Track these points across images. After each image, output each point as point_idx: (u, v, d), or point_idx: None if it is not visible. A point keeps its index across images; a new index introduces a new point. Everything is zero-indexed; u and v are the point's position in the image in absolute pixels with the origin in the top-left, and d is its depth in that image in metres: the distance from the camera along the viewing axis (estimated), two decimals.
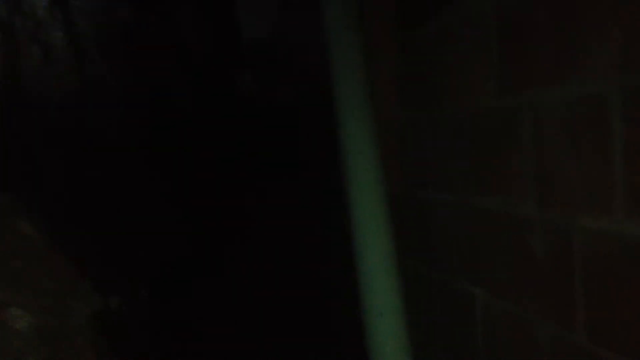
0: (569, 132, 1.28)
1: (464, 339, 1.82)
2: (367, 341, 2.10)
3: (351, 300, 2.08)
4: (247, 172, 2.27)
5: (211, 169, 2.22)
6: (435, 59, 1.86)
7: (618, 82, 1.13)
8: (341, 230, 2.12)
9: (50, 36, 2.07)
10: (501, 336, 1.62)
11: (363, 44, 2.04)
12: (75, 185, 2.06)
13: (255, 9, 2.23)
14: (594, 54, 1.18)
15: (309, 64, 2.21)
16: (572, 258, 1.30)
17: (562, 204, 1.32)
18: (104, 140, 2.11)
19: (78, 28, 2.09)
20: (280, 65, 2.25)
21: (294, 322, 2.29)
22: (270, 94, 2.21)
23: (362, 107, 2.01)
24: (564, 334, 1.34)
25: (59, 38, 2.08)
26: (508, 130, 1.50)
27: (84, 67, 2.14)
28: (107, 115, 2.11)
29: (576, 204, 1.27)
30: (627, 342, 1.16)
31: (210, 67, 2.18)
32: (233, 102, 2.20)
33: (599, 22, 1.16)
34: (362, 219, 2.09)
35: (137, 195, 2.12)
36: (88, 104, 2.10)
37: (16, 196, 1.94)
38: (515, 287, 1.53)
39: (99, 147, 2.09)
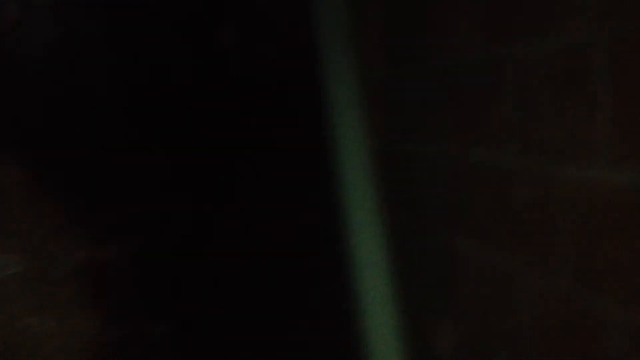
0: (553, 82, 1.30)
1: (449, 291, 1.85)
2: (355, 293, 2.14)
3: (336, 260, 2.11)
4: (231, 129, 2.27)
5: (194, 126, 2.22)
6: (421, 12, 1.88)
7: (601, 32, 1.15)
8: (329, 187, 2.14)
9: None
10: (486, 287, 1.65)
11: None
12: (66, 139, 2.04)
13: None
14: (577, 4, 1.20)
15: (292, 16, 2.21)
16: (554, 207, 1.32)
17: (545, 153, 1.35)
18: (90, 95, 2.09)
19: None
20: (262, 18, 2.24)
21: (281, 284, 2.32)
22: (252, 48, 2.21)
23: (347, 60, 2.03)
24: (547, 282, 1.37)
25: None
26: (492, 81, 1.52)
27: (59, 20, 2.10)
28: (84, 70, 2.09)
29: (559, 153, 1.30)
30: (610, 287, 1.19)
31: (189, 21, 2.17)
32: (213, 58, 2.19)
33: None
34: (349, 171, 2.11)
35: (121, 151, 2.11)
36: (67, 59, 2.07)
37: (1, 141, 1.92)
38: (500, 237, 1.55)
39: (84, 102, 2.07)
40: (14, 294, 1.76)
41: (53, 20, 2.01)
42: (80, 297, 1.91)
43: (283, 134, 2.23)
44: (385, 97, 2.17)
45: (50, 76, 2.05)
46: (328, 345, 2.31)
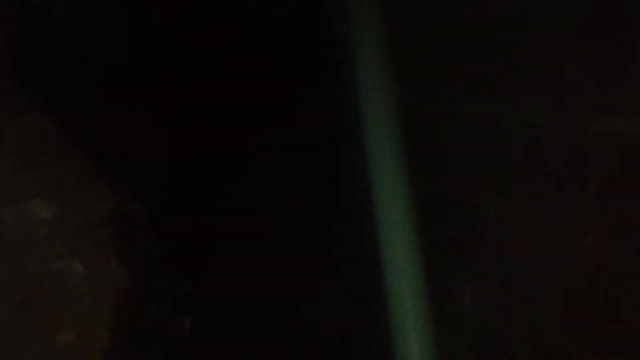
0: (584, 35, 1.27)
1: (477, 251, 1.84)
2: (379, 251, 2.12)
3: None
4: (253, 88, 2.28)
5: (212, 84, 2.22)
6: None
7: None
8: (353, 148, 2.14)
9: None
10: (514, 246, 1.61)
11: None
12: (97, 98, 2.05)
13: None
14: None
15: None
16: (585, 162, 1.29)
17: (576, 108, 1.31)
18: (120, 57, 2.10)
19: None
20: None
21: (300, 243, 2.32)
22: (274, 6, 2.21)
23: (370, 18, 2.02)
24: (576, 239, 1.34)
25: None
26: (522, 36, 1.48)
27: None
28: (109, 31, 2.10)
29: (591, 108, 1.26)
30: (637, 244, 1.16)
31: None
32: (235, 16, 2.20)
33: None
34: (373, 132, 2.11)
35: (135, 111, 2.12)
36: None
37: (33, 92, 1.93)
38: (529, 196, 1.52)
39: (115, 63, 2.08)
40: (46, 238, 1.76)
41: None
42: (107, 246, 1.90)
43: (304, 92, 2.23)
44: (409, 55, 2.17)
45: (78, 33, 2.06)
46: (351, 307, 2.29)
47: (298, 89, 2.27)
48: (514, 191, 1.60)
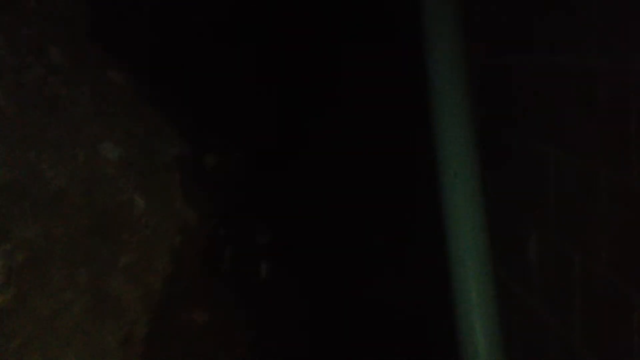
0: None
1: (539, 198, 1.85)
2: (442, 204, 2.14)
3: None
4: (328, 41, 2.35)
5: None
6: None
7: None
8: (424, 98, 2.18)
9: None
10: (570, 190, 1.65)
11: None
12: (164, 41, 2.20)
13: None
14: None
15: None
16: (627, 103, 1.32)
17: (627, 51, 1.34)
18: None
19: None
20: None
21: (373, 193, 2.36)
22: None
23: None
24: (623, 180, 1.37)
25: None
26: None
27: None
28: None
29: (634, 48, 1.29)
30: None
31: None
32: None
33: None
34: (441, 85, 2.13)
35: (221, 55, 2.24)
36: None
37: (106, 47, 2.11)
38: (583, 140, 1.56)
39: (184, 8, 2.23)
40: (112, 175, 1.91)
41: None
42: (172, 187, 2.04)
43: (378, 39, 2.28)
44: (480, 9, 2.19)
45: None
46: (417, 256, 2.32)
47: (374, 45, 2.33)
48: (570, 137, 1.62)
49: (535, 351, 1.95)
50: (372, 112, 2.38)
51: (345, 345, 2.39)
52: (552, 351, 1.82)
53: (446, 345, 2.11)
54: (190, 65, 2.22)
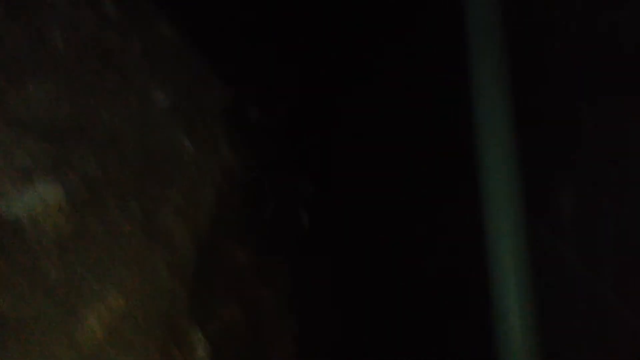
0: None
1: (574, 153, 1.89)
2: (479, 158, 2.21)
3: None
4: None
5: None
6: None
7: None
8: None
9: None
10: (605, 147, 1.71)
11: None
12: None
13: None
14: None
15: None
16: None
17: None
18: None
19: None
20: None
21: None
22: None
23: None
24: None
25: None
26: None
27: None
28: None
29: None
30: None
31: None
32: None
33: None
34: (477, 40, 2.19)
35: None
36: None
37: (161, 5, 2.24)
38: (617, 100, 1.63)
39: None
40: (167, 121, 2.05)
41: None
42: (219, 136, 2.18)
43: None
44: None
45: None
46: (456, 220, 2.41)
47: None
48: (603, 95, 1.70)
49: (565, 302, 2.03)
50: (420, 80, 2.47)
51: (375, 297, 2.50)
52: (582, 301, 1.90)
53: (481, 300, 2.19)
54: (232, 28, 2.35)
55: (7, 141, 1.67)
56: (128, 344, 1.65)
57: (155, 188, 1.90)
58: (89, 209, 1.73)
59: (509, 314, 2.09)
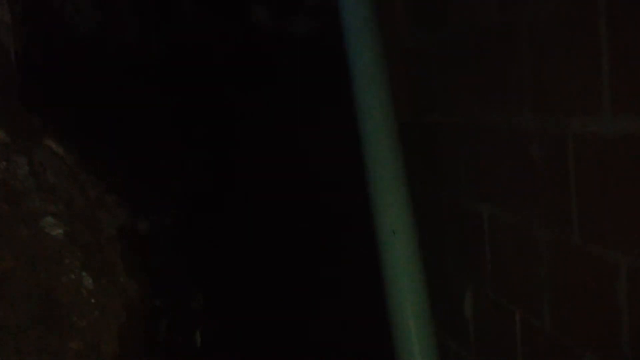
0: (561, 40, 1.36)
1: (473, 255, 1.89)
2: (381, 259, 2.16)
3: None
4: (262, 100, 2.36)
5: (222, 100, 2.33)
6: None
7: None
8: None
9: None
10: (506, 247, 1.69)
11: None
12: (100, 111, 2.16)
13: None
14: None
15: None
16: (566, 161, 1.37)
17: (555, 109, 1.40)
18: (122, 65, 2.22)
19: None
20: None
21: (311, 242, 2.38)
22: (284, 25, 2.32)
23: (372, 33, 2.11)
24: (561, 236, 1.41)
25: None
26: (507, 44, 1.57)
27: None
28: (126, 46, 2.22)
29: (568, 108, 1.35)
30: (619, 238, 1.23)
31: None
32: (246, 34, 2.31)
33: None
34: (373, 145, 2.14)
35: (154, 121, 2.22)
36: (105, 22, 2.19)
37: (44, 117, 2.04)
38: (518, 197, 1.59)
39: (118, 68, 2.20)
40: (57, 253, 1.84)
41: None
42: (126, 258, 2.00)
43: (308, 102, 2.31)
44: (408, 68, 2.25)
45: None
46: (357, 310, 2.36)
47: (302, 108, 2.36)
48: (504, 195, 1.67)
49: None
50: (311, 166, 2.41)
51: None
52: None
53: None
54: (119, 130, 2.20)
55: None
56: None
57: (52, 338, 1.69)
58: None
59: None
